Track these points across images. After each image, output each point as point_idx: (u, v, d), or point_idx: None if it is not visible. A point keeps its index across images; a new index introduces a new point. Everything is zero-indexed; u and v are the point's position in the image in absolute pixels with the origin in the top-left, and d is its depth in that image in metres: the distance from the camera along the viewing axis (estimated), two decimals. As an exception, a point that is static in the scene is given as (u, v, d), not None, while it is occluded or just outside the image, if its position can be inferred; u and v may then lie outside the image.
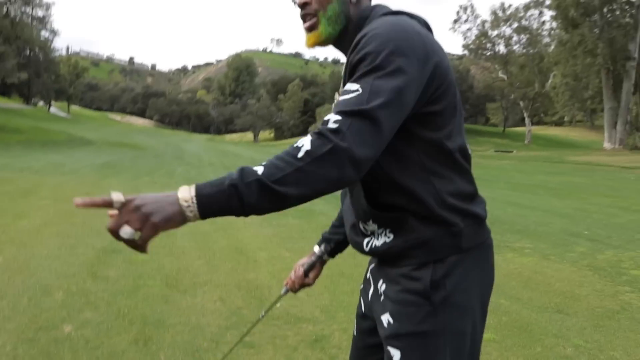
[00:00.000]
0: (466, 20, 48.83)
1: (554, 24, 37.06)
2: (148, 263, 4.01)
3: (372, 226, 1.09)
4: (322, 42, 1.10)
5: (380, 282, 1.12)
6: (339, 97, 0.93)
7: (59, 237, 4.83)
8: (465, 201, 1.05)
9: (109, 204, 0.81)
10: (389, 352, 1.05)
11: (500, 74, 45.74)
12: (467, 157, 1.07)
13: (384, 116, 0.88)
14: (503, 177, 14.70)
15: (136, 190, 6.32)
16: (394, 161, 1.01)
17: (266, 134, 73.40)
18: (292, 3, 1.12)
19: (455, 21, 46.96)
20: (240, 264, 4.21)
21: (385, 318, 1.07)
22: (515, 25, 42.32)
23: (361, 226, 1.12)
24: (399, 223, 1.04)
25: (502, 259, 4.52)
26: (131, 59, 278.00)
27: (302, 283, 1.37)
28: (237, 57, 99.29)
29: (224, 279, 3.76)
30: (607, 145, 31.91)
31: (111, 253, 4.23)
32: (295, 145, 0.86)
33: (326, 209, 7.17)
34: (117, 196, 0.81)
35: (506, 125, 54.77)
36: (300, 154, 0.84)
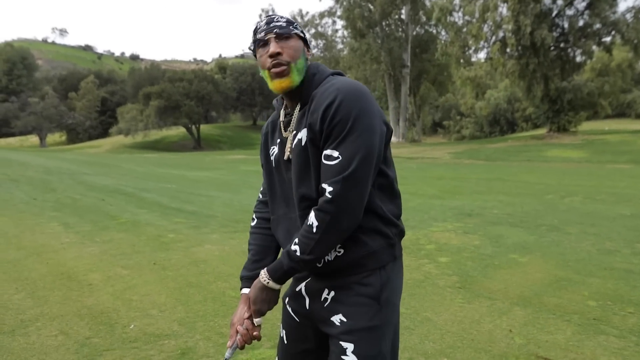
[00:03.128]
0: (269, 23, 50.98)
1: (345, 33, 41.43)
2: (-52, 306, 3.35)
3: None
4: (290, 88, 1.25)
5: (326, 291, 1.30)
6: (324, 161, 1.14)
7: None
8: (397, 219, 1.32)
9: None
10: (341, 346, 1.24)
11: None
12: (397, 185, 1.34)
13: (363, 172, 1.14)
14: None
15: None
16: None
17: (56, 137, 64.25)
18: (250, 50, 1.26)
19: (259, 23, 48.59)
20: (73, 290, 3.79)
21: (337, 318, 1.26)
22: (313, 31, 45.94)
23: None
24: (351, 239, 1.25)
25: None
26: None
27: (256, 332, 1.34)
28: (9, 46, 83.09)
29: (58, 310, 3.37)
30: (393, 139, 37.47)
31: None
32: (308, 224, 1.19)
33: (152, 219, 6.86)
34: (258, 321, 1.35)
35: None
36: (314, 230, 1.18)
